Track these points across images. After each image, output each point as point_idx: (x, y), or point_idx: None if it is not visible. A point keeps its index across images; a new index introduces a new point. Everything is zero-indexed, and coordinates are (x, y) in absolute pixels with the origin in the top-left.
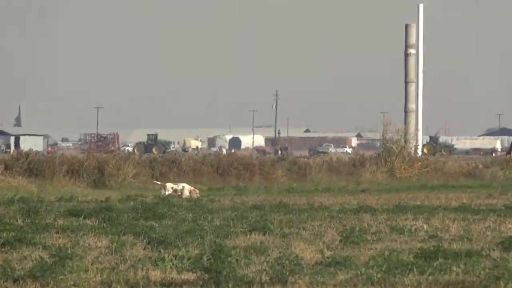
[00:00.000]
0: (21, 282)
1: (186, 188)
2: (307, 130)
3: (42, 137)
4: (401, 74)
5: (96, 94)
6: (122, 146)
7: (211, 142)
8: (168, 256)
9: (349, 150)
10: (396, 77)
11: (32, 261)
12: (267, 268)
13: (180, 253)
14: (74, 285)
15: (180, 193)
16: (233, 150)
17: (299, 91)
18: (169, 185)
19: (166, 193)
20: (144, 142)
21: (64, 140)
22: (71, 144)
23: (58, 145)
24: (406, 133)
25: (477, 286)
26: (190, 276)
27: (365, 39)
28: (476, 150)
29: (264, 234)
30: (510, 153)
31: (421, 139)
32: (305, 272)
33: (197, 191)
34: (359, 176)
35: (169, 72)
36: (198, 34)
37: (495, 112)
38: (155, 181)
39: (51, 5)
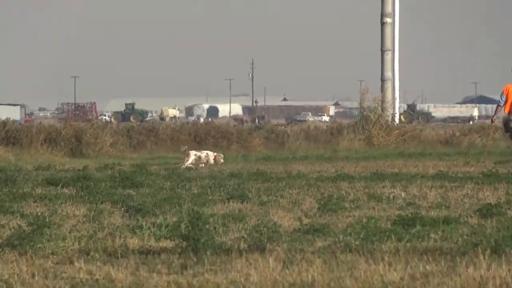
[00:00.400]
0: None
1: (210, 155)
2: (285, 99)
3: (19, 107)
4: (378, 43)
5: (73, 63)
6: (100, 115)
7: (189, 111)
8: (146, 224)
9: (327, 119)
10: (373, 46)
11: (10, 229)
12: (245, 236)
13: (158, 221)
14: (52, 253)
15: (205, 161)
16: (210, 119)
17: (276, 60)
18: (192, 153)
19: (190, 161)
20: (121, 112)
21: (42, 109)
22: (48, 114)
23: (35, 114)
24: (383, 102)
25: (455, 252)
26: (168, 243)
27: (341, 7)
28: (453, 118)
29: (242, 202)
30: (493, 121)
31: (398, 107)
32: (283, 239)
33: (222, 155)
34: (337, 144)
35: (147, 42)
36: (173, 4)
37: (472, 80)
38: (182, 146)
39: None
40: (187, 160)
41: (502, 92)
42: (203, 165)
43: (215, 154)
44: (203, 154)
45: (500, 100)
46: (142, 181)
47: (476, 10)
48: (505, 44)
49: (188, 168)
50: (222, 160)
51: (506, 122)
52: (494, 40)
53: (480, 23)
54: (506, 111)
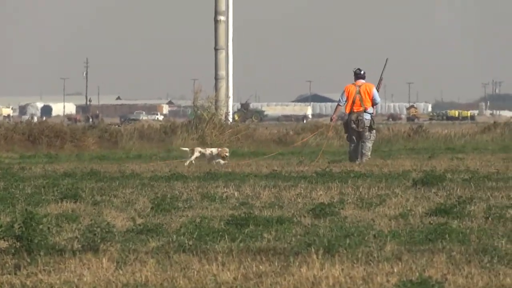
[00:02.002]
0: None
1: (214, 151)
2: (118, 98)
3: None
4: (212, 41)
5: None
6: None
7: (22, 110)
8: None
9: (161, 117)
10: (207, 44)
11: None
12: (79, 236)
13: None
14: None
15: (209, 158)
16: (44, 118)
17: (110, 58)
18: (197, 149)
19: (194, 156)
20: None
21: None
22: None
23: None
24: (217, 100)
25: (288, 252)
26: (2, 244)
27: (174, 5)
28: (287, 117)
29: (75, 202)
30: (332, 120)
31: (232, 106)
32: (117, 239)
33: (226, 149)
34: (171, 143)
35: None
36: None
37: (305, 78)
38: (182, 148)
39: None
40: (190, 157)
41: (343, 92)
42: (216, 161)
43: (219, 149)
44: (207, 151)
45: (340, 100)
46: None
47: (309, 8)
48: (337, 43)
49: (189, 165)
50: (227, 154)
51: (346, 122)
52: (326, 39)
53: (313, 22)
54: (347, 110)
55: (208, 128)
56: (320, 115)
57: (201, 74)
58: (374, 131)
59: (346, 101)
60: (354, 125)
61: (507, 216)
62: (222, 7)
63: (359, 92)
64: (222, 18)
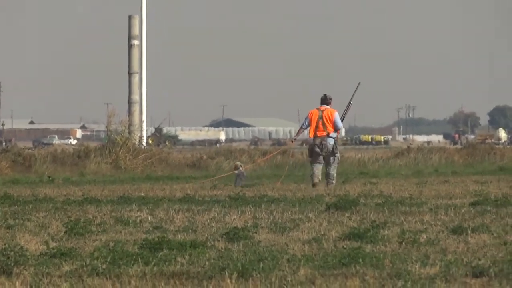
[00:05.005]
0: None
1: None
2: (32, 122)
3: None
4: (126, 65)
5: None
6: None
7: None
8: None
9: (74, 142)
10: (120, 68)
11: None
12: None
13: None
14: None
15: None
16: None
17: (23, 82)
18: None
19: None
20: None
21: None
22: None
23: None
24: (130, 124)
25: (202, 276)
26: None
27: (88, 29)
28: (201, 141)
29: None
30: (292, 141)
31: (146, 130)
32: (30, 263)
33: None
34: (84, 167)
35: None
36: None
37: (219, 103)
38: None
39: None
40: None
41: (307, 116)
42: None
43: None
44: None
45: (304, 123)
46: None
47: (222, 33)
48: (250, 68)
49: None
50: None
51: (311, 147)
52: (239, 64)
53: (226, 46)
54: (311, 135)
55: (122, 152)
56: (233, 140)
57: (115, 98)
58: (337, 154)
59: (309, 125)
60: (318, 149)
61: (421, 240)
62: (136, 31)
63: (322, 117)
64: (135, 42)
